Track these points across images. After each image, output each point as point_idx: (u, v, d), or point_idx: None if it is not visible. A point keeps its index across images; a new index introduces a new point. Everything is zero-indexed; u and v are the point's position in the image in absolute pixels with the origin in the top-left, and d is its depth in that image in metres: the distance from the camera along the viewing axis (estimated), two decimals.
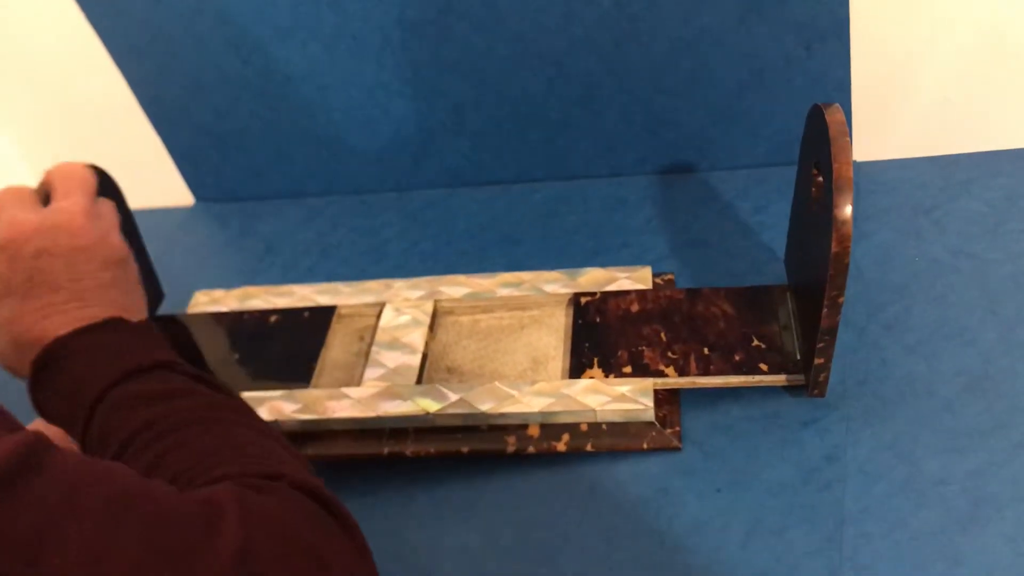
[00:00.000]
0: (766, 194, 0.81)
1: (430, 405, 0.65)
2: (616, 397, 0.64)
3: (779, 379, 0.64)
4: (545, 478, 0.64)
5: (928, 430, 0.60)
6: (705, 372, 0.65)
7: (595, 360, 0.67)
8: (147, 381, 0.53)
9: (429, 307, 0.74)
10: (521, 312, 0.74)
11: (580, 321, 0.71)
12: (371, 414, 0.65)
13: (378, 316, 0.74)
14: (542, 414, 0.64)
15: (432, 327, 0.73)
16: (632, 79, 0.81)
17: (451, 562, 0.61)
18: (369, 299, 0.76)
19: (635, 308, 0.70)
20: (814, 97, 0.78)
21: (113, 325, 0.56)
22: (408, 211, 0.91)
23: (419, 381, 0.68)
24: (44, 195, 0.61)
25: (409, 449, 0.65)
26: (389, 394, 0.67)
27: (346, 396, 0.67)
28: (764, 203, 0.80)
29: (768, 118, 0.81)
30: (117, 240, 0.61)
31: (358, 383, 0.69)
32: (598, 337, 0.69)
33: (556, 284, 0.73)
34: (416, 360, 0.69)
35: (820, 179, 0.61)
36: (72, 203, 0.59)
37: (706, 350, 0.66)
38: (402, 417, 0.65)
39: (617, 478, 0.63)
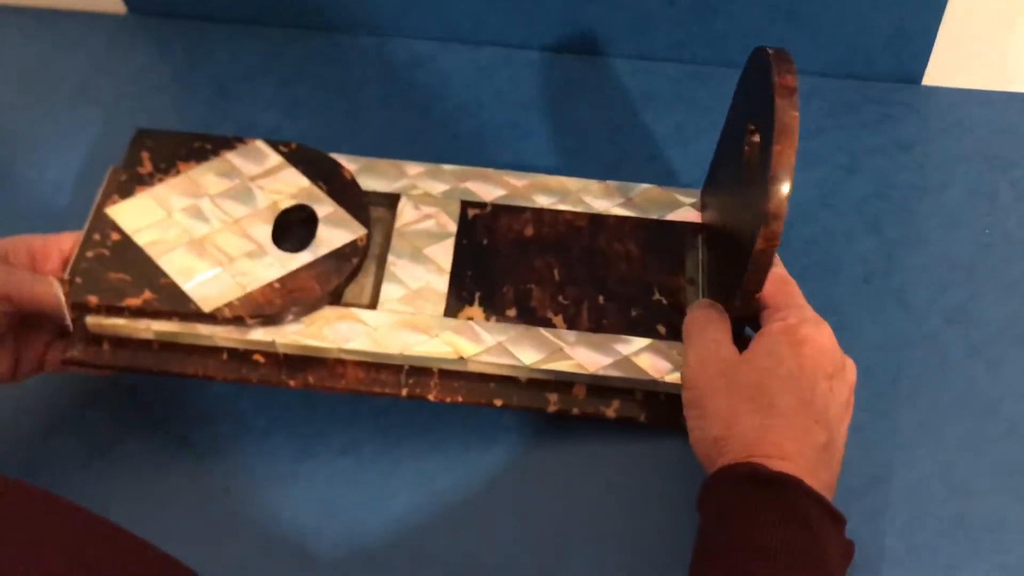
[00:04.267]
0: (819, 112, 0.70)
1: (465, 347, 0.55)
2: (681, 365, 0.54)
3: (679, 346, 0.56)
4: (589, 446, 0.57)
5: (984, 458, 0.54)
6: (597, 327, 0.57)
7: (477, 296, 0.58)
8: None
9: (456, 209, 0.61)
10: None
11: (465, 241, 0.60)
12: (392, 351, 0.55)
13: (392, 211, 0.61)
14: (593, 376, 0.55)
15: (459, 234, 0.60)
16: None
17: (462, 525, 0.54)
18: (379, 184, 0.62)
19: (529, 232, 0.60)
20: (897, 7, 0.66)
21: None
22: (391, 66, 0.76)
23: (447, 311, 0.57)
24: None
25: (432, 393, 0.56)
26: (412, 326, 0.56)
27: (359, 321, 0.56)
28: (817, 124, 0.69)
29: (836, 23, 0.69)
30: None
31: (371, 302, 0.57)
32: (483, 264, 0.59)
33: (607, 201, 0.61)
34: (444, 283, 0.58)
35: (756, 140, 0.51)
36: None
37: (601, 298, 0.57)
38: (428, 358, 0.55)
39: (666, 459, 0.56)
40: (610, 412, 0.55)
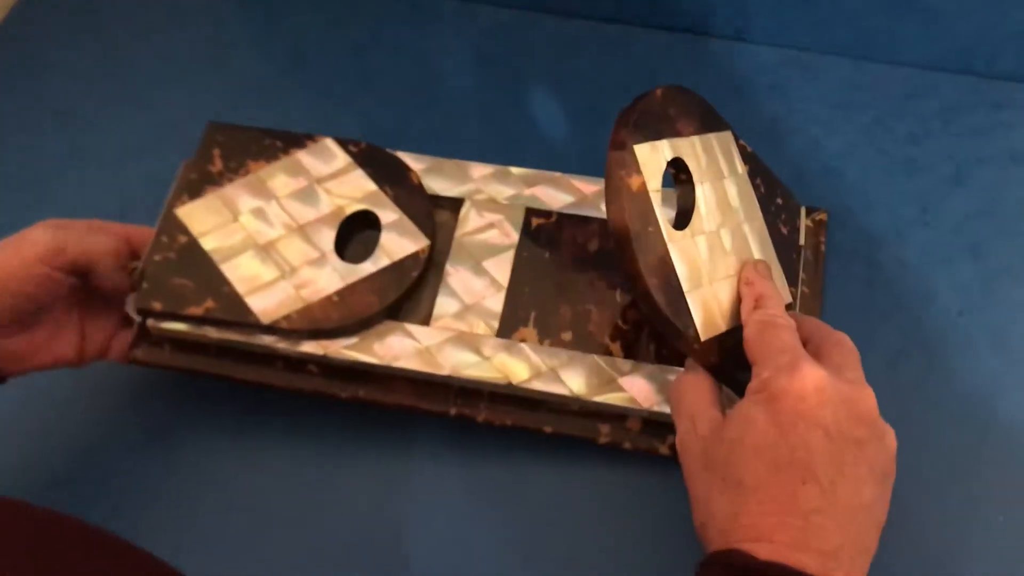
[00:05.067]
0: (925, 113, 0.64)
1: (516, 371, 0.53)
2: None
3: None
4: (644, 478, 0.54)
5: None
6: (657, 356, 0.53)
7: (532, 315, 0.55)
8: None
9: (519, 217, 0.58)
10: None
11: (525, 253, 0.56)
12: (439, 372, 0.53)
13: (455, 216, 0.59)
14: (649, 412, 0.52)
15: (520, 246, 0.57)
16: None
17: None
18: (443, 187, 0.59)
19: (593, 246, 0.56)
20: None
21: None
22: (470, 34, 0.73)
23: (500, 331, 0.55)
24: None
25: (481, 415, 0.55)
26: (463, 343, 0.54)
27: (410, 336, 0.55)
28: (922, 127, 0.63)
29: (956, 12, 0.62)
30: (894, 445, 0.44)
31: (425, 315, 0.56)
32: (542, 280, 0.56)
33: None
34: (499, 301, 0.55)
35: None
36: (863, 382, 0.44)
37: None
38: (476, 380, 0.54)
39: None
40: (664, 448, 0.53)
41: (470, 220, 0.58)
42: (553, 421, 0.54)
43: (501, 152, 0.65)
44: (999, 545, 0.51)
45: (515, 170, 0.59)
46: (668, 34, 0.70)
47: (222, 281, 0.55)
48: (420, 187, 0.58)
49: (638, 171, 0.46)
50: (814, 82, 0.66)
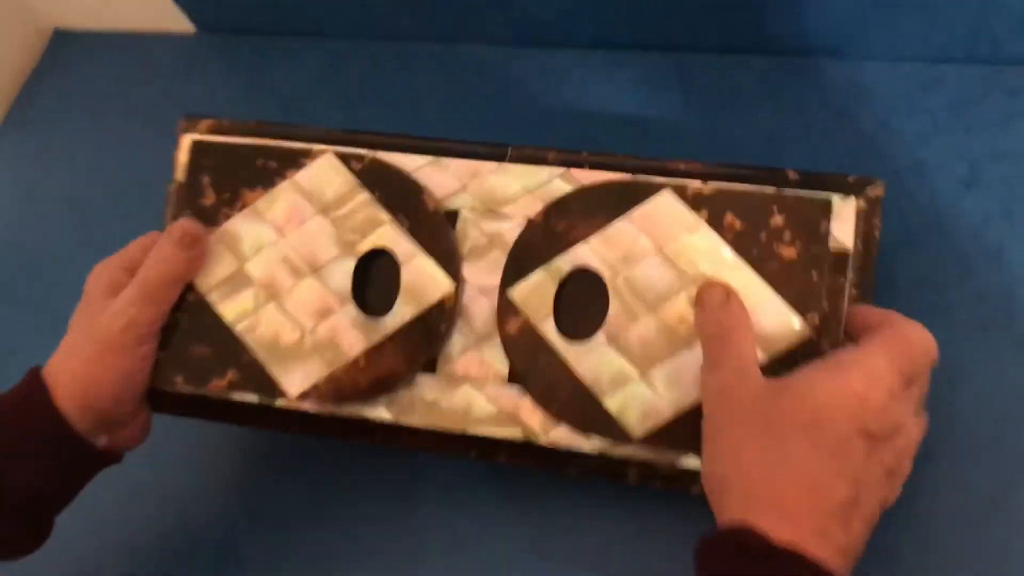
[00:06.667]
0: (933, 109, 0.59)
1: (533, 424, 0.49)
2: None
3: None
4: (668, 516, 0.53)
5: None
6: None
7: None
8: None
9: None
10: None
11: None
12: (452, 429, 0.50)
13: (452, 223, 0.52)
14: (672, 466, 0.48)
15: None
16: None
17: None
18: (452, 185, 0.52)
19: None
20: None
21: None
22: (456, 72, 0.71)
23: (513, 375, 0.49)
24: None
25: (503, 456, 0.51)
26: (474, 391, 0.50)
27: (418, 388, 0.51)
28: (931, 124, 0.59)
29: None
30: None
31: (431, 359, 0.51)
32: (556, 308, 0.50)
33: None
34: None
35: None
36: (901, 382, 0.41)
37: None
38: (492, 438, 0.50)
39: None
40: (695, 489, 0.47)
41: (473, 228, 0.52)
42: (578, 464, 0.50)
43: None
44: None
45: (520, 167, 0.53)
46: (658, 54, 0.67)
47: (240, 347, 0.52)
48: (437, 211, 0.52)
49: (516, 314, 0.49)
50: (810, 89, 0.62)
